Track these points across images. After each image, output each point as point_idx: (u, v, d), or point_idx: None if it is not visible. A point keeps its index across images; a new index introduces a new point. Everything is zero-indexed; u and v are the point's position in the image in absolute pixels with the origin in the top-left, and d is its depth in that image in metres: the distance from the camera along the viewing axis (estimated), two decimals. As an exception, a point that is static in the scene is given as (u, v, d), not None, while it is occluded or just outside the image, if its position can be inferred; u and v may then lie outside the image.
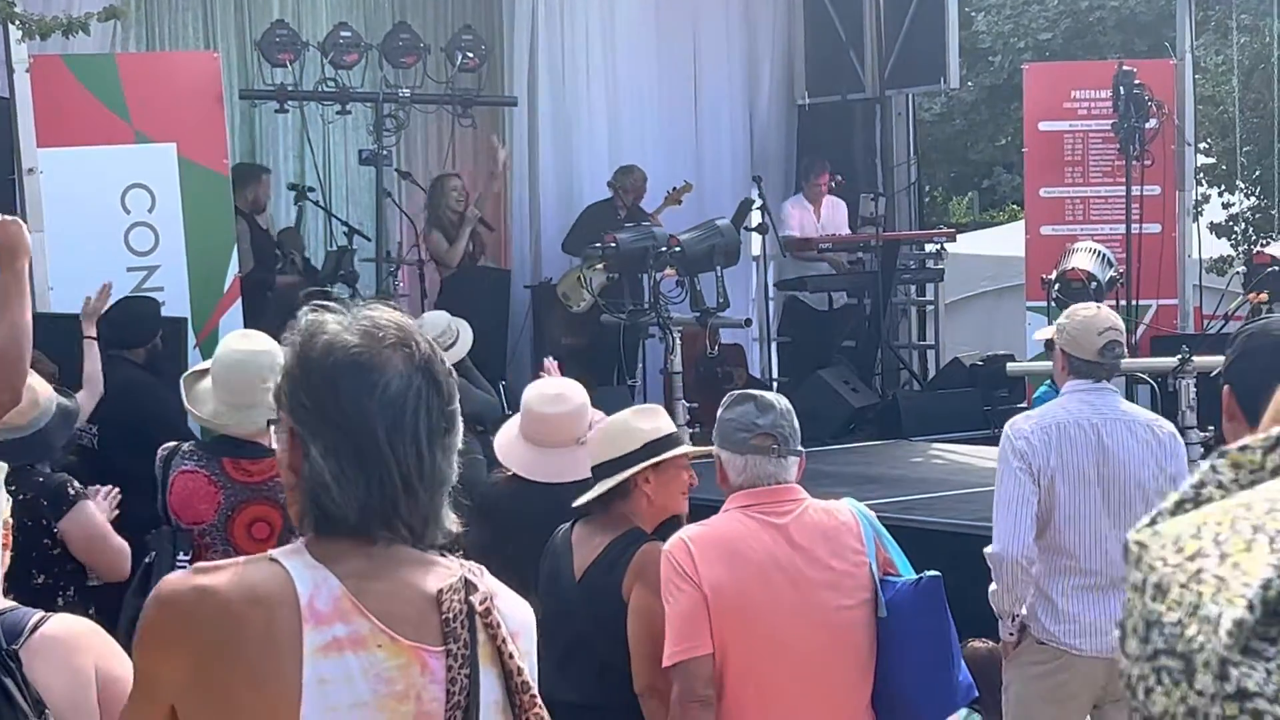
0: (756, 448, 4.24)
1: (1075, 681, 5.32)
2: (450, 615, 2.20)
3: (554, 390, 5.31)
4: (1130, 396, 7.11)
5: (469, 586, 2.23)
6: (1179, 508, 1.11)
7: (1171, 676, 1.04)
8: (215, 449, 5.05)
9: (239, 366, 4.93)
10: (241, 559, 2.28)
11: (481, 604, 2.22)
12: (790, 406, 4.36)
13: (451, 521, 2.29)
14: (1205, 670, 1.02)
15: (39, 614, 2.87)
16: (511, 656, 2.22)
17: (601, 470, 4.59)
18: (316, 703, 2.15)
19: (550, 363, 5.87)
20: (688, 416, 8.29)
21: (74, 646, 2.83)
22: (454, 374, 2.31)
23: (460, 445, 2.30)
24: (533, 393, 5.32)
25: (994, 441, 10.89)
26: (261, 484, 4.88)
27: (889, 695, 4.23)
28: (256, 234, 11.15)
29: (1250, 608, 1.00)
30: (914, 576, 4.23)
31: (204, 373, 5.18)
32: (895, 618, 4.16)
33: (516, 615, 2.31)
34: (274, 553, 2.24)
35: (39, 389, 5.16)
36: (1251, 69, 18.05)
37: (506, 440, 5.32)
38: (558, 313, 12.38)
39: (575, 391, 5.29)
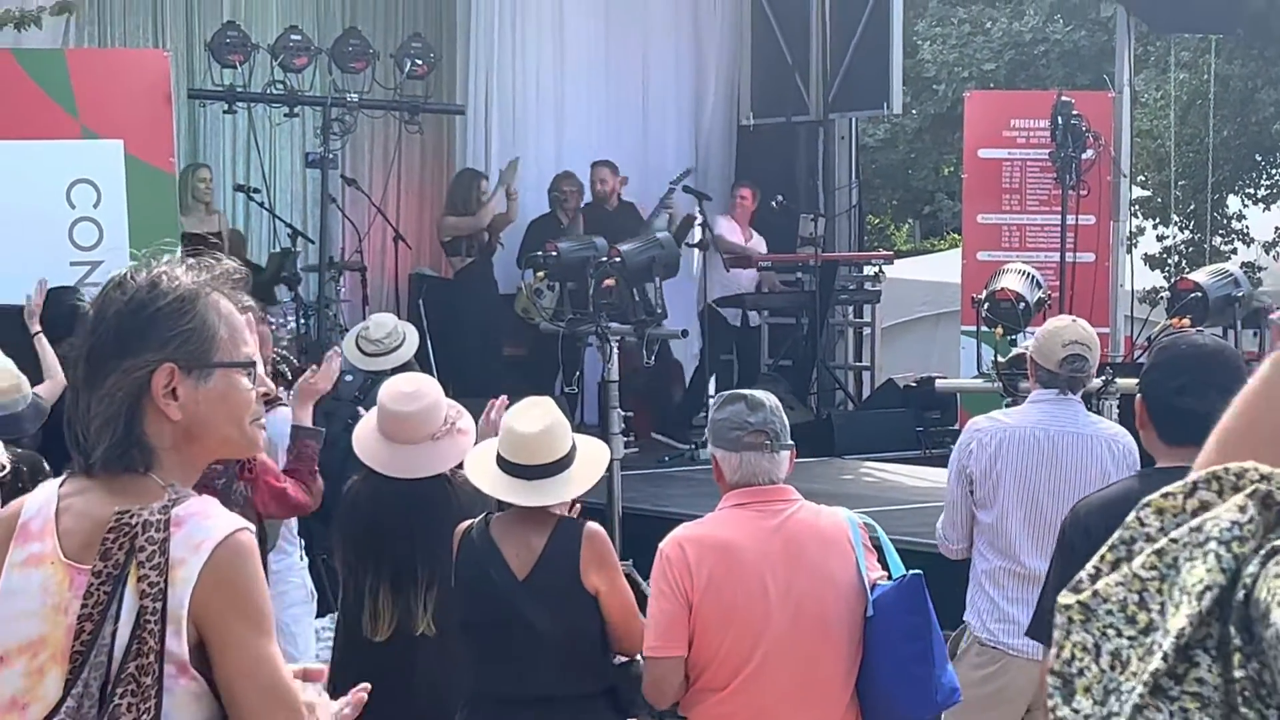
0: (750, 444, 4.34)
1: (1013, 686, 5.42)
2: (110, 536, 2.38)
3: (409, 388, 5.38)
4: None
5: (150, 510, 2.39)
6: (1115, 566, 1.22)
7: None
8: None
9: None
10: None
11: (137, 524, 2.38)
12: (779, 403, 4.49)
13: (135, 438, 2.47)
14: None
15: None
16: (143, 579, 2.35)
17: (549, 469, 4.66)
18: (4, 610, 2.43)
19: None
20: (623, 425, 8.40)
21: None
22: (130, 304, 2.49)
23: (137, 364, 2.47)
24: (387, 390, 5.38)
25: (925, 461, 11.10)
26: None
27: (870, 692, 4.33)
28: None
29: (1165, 658, 1.14)
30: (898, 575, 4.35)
31: None
32: (879, 616, 4.27)
33: (192, 542, 2.39)
34: (49, 481, 2.56)
35: (20, 376, 5.55)
36: (1189, 105, 18.32)
37: (363, 435, 5.40)
38: (500, 323, 12.47)
39: (430, 388, 5.37)
